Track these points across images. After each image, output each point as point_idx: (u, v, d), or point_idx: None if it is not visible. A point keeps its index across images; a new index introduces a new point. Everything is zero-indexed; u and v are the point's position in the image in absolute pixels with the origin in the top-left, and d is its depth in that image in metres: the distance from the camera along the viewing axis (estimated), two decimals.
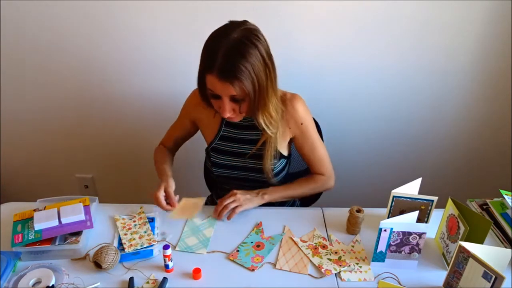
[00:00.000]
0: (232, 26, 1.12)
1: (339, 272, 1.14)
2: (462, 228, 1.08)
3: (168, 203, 1.27)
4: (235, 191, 1.31)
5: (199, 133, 1.47)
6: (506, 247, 1.19)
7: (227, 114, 1.17)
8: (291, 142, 1.37)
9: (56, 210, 1.22)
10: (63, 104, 1.89)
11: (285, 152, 1.36)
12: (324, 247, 1.22)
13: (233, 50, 1.08)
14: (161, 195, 1.27)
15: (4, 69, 1.79)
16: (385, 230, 1.09)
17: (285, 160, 1.39)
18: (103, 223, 1.29)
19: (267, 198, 1.32)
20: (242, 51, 1.08)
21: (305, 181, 1.40)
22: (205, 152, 1.43)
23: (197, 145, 1.53)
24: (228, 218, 1.27)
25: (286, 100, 1.29)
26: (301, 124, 1.30)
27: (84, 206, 1.25)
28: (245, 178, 1.37)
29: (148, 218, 1.30)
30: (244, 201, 1.29)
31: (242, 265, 1.16)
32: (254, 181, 1.37)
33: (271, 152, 1.30)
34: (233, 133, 1.35)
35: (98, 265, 1.10)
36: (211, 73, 1.10)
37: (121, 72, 1.78)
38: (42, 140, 2.00)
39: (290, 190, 1.37)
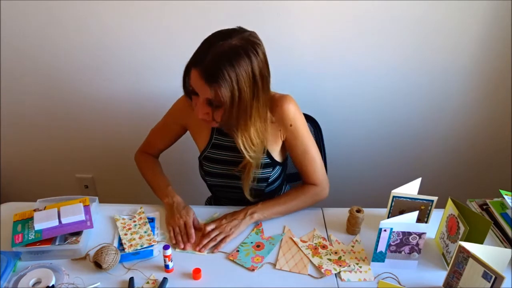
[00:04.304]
0: (237, 32, 1.08)
1: (339, 272, 1.14)
2: (462, 228, 1.08)
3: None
4: (220, 221, 1.26)
5: None
6: (506, 247, 1.19)
7: (199, 115, 1.13)
8: (285, 147, 1.32)
9: (56, 210, 1.22)
10: (63, 104, 1.89)
11: (279, 159, 1.32)
12: (324, 247, 1.22)
13: (224, 55, 1.04)
14: (182, 225, 1.23)
15: (4, 69, 1.79)
16: (385, 230, 1.09)
17: (280, 168, 1.34)
18: (103, 223, 1.29)
19: (256, 217, 1.27)
20: (232, 59, 1.04)
21: (296, 192, 1.33)
22: (198, 160, 1.39)
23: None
24: (214, 250, 1.20)
25: (275, 101, 1.23)
26: (290, 125, 1.24)
27: (84, 206, 1.25)
28: (238, 187, 1.31)
29: (148, 218, 1.30)
30: (232, 229, 1.23)
31: (242, 265, 1.16)
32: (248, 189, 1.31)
33: (250, 176, 1.25)
34: (224, 140, 1.30)
35: (98, 265, 1.10)
36: (196, 68, 1.06)
37: (121, 72, 1.78)
38: (42, 140, 2.00)
39: (281, 205, 1.30)
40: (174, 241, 1.21)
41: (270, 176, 1.31)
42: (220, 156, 1.32)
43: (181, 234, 1.23)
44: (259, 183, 1.30)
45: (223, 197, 1.46)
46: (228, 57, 1.04)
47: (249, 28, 1.12)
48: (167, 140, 1.43)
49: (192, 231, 1.22)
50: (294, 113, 1.24)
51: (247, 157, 1.20)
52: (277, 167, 1.32)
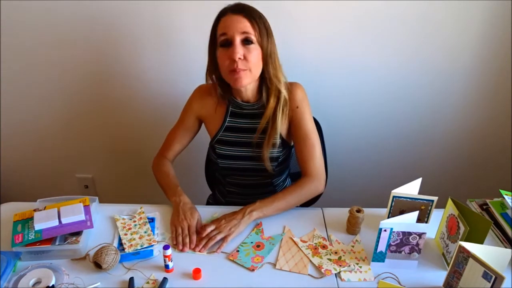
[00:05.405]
0: None
1: (339, 272, 1.14)
2: (462, 228, 1.08)
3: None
4: (219, 221, 1.25)
5: (199, 132, 1.47)
6: (506, 247, 1.19)
7: (237, 55, 1.18)
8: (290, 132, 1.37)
9: (56, 210, 1.22)
10: (64, 104, 1.89)
11: (286, 139, 1.37)
12: (324, 247, 1.22)
13: (249, 6, 1.22)
14: (185, 228, 1.23)
15: (4, 69, 1.79)
16: (385, 230, 1.09)
17: (289, 150, 1.41)
18: (103, 223, 1.30)
19: (255, 215, 1.26)
20: (257, 11, 1.23)
21: (292, 186, 1.34)
22: (209, 146, 1.43)
23: (197, 144, 1.53)
24: (217, 250, 1.19)
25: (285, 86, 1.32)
26: (297, 107, 1.32)
27: (84, 206, 1.25)
28: (249, 168, 1.37)
29: (148, 218, 1.30)
30: (231, 228, 1.22)
31: (242, 265, 1.16)
32: (259, 170, 1.36)
33: (271, 139, 1.31)
34: (238, 123, 1.36)
35: (98, 265, 1.10)
36: (225, 14, 1.20)
37: (121, 72, 1.79)
38: (42, 140, 2.00)
39: (279, 200, 1.30)
40: (174, 242, 1.22)
41: (280, 156, 1.36)
42: (233, 138, 1.37)
43: (182, 236, 1.22)
44: (270, 162, 1.34)
45: (231, 183, 1.47)
46: (253, 8, 1.23)
47: None
48: (184, 137, 1.45)
49: (194, 237, 1.22)
50: (302, 97, 1.33)
51: (279, 89, 1.29)
52: (286, 148, 1.38)
